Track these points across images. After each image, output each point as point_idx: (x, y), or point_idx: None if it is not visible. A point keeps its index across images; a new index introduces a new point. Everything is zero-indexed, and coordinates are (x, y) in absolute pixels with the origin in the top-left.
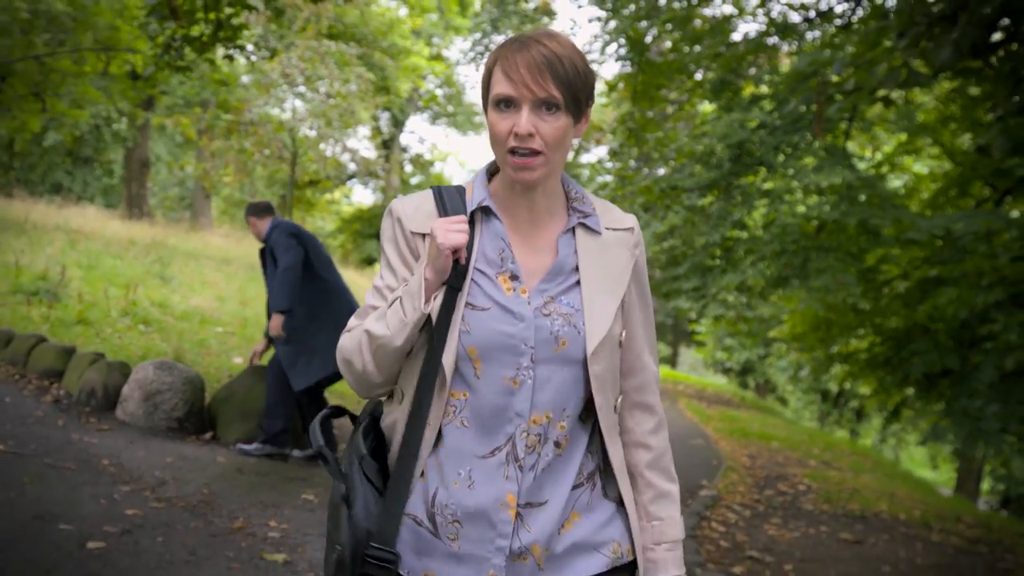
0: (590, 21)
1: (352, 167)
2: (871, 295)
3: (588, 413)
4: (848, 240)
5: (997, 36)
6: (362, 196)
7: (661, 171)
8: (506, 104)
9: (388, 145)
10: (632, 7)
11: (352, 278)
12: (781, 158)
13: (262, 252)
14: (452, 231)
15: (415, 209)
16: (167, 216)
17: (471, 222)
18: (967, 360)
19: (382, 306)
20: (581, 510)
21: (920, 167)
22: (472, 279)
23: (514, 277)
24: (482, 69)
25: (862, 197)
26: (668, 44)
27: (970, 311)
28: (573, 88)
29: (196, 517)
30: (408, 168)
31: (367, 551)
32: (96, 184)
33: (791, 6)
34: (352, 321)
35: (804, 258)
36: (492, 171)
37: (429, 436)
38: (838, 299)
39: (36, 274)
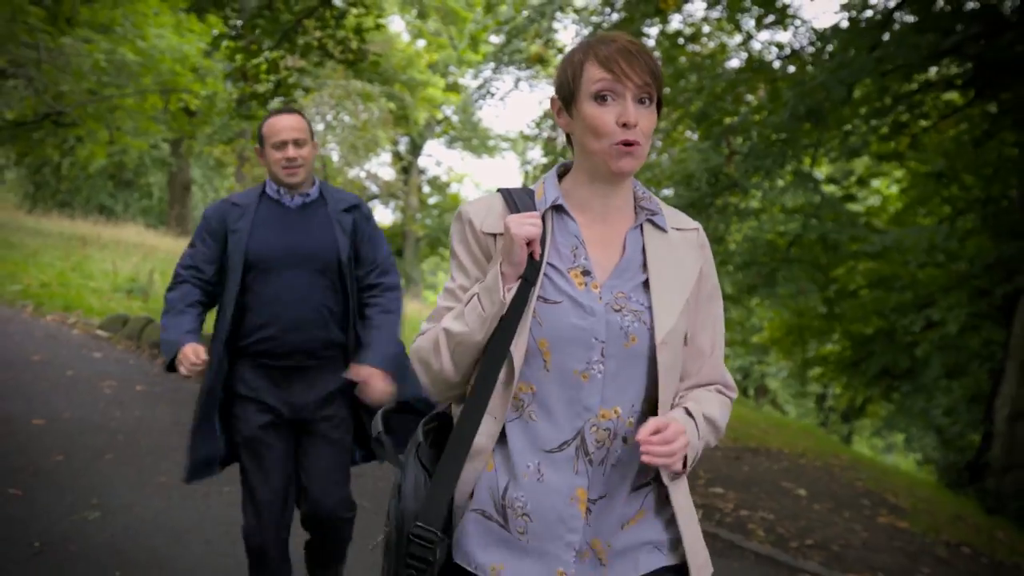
0: None
1: (373, 189)
2: (842, 303)
3: (653, 411)
4: (815, 254)
5: None
6: (381, 216)
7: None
8: (604, 97)
9: (407, 169)
10: None
11: None
12: (755, 180)
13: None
14: (526, 223)
15: (486, 211)
16: None
17: (543, 220)
18: (919, 359)
19: (457, 306)
20: (648, 509)
21: (894, 188)
22: (544, 274)
23: (586, 272)
24: (563, 69)
25: (829, 218)
26: None
27: (890, 309)
28: (659, 82)
29: None
30: (426, 189)
31: (411, 530)
32: (136, 205)
33: (767, 43)
34: (424, 324)
35: (771, 269)
36: (562, 172)
37: (494, 428)
38: (801, 306)
39: (127, 276)
